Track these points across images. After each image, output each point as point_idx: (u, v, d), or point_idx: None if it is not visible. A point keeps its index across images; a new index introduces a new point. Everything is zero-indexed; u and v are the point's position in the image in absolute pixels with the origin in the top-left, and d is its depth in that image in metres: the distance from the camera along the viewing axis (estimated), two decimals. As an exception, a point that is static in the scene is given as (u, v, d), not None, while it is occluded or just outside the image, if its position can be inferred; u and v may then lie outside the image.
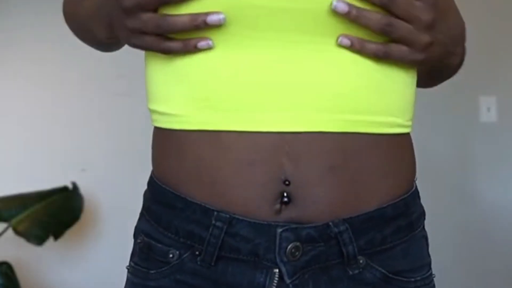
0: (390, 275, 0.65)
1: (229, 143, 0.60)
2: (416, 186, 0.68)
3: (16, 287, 1.77)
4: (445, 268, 2.28)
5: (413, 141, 0.68)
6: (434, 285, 0.70)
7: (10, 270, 1.77)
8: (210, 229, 0.61)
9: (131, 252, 0.73)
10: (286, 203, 0.60)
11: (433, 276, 0.70)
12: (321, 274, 0.62)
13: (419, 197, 0.70)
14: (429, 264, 0.69)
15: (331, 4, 0.56)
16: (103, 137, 2.10)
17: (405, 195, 0.65)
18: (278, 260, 0.60)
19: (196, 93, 0.61)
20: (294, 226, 0.60)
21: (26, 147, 2.07)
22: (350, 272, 0.63)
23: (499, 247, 2.28)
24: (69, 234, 1.91)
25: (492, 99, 2.28)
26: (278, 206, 0.60)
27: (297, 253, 0.60)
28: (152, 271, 0.66)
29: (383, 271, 0.64)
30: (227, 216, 0.60)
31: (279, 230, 0.59)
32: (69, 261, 2.11)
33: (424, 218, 0.70)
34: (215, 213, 0.60)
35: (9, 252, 1.84)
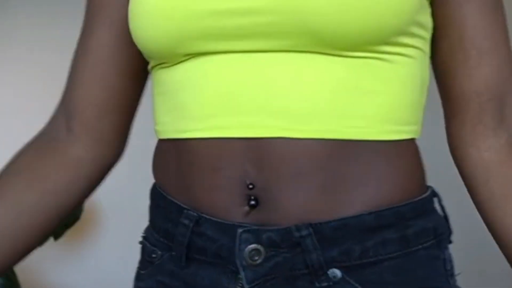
0: None
1: (196, 150, 0.59)
2: (424, 198, 0.62)
3: (16, 287, 1.76)
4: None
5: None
6: None
7: (10, 270, 1.77)
8: (178, 227, 0.60)
9: None
10: (253, 206, 0.57)
11: None
12: (285, 285, 0.58)
13: (430, 211, 0.63)
14: None
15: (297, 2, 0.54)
16: (103, 137, 2.10)
17: (397, 205, 0.59)
18: (238, 263, 0.57)
19: (170, 103, 0.62)
20: (255, 227, 0.57)
21: (26, 147, 2.07)
22: (317, 284, 0.57)
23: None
24: (69, 234, 1.91)
25: (492, 99, 2.28)
26: (246, 208, 0.58)
27: (256, 257, 0.57)
28: (142, 271, 0.67)
29: None
30: (195, 214, 0.59)
31: (240, 230, 0.57)
32: (69, 261, 2.10)
33: (440, 236, 0.63)
34: (185, 211, 0.60)
35: (9, 252, 1.84)
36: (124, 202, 2.04)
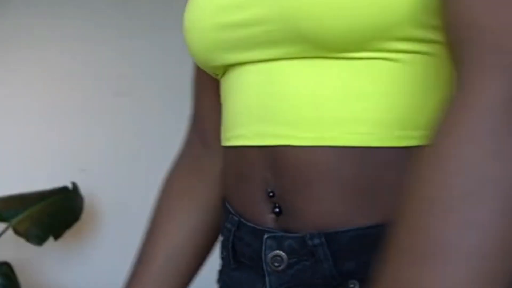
0: None
1: (227, 158, 0.65)
2: None
3: (16, 287, 1.76)
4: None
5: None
6: None
7: (10, 270, 1.77)
8: (224, 231, 0.65)
9: None
10: (278, 214, 0.58)
11: None
12: None
13: None
14: None
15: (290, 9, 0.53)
16: (102, 137, 2.10)
17: None
18: (264, 268, 0.58)
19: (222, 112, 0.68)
20: (280, 234, 0.57)
21: (26, 147, 2.07)
22: None
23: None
24: (69, 234, 1.91)
25: (492, 99, 2.28)
26: (273, 215, 0.59)
27: (277, 263, 0.57)
28: (219, 270, 0.72)
29: None
30: (237, 219, 0.62)
31: (265, 236, 0.58)
32: (69, 261, 2.10)
33: None
34: (230, 215, 0.64)
35: (9, 252, 1.84)
36: (124, 202, 2.05)
